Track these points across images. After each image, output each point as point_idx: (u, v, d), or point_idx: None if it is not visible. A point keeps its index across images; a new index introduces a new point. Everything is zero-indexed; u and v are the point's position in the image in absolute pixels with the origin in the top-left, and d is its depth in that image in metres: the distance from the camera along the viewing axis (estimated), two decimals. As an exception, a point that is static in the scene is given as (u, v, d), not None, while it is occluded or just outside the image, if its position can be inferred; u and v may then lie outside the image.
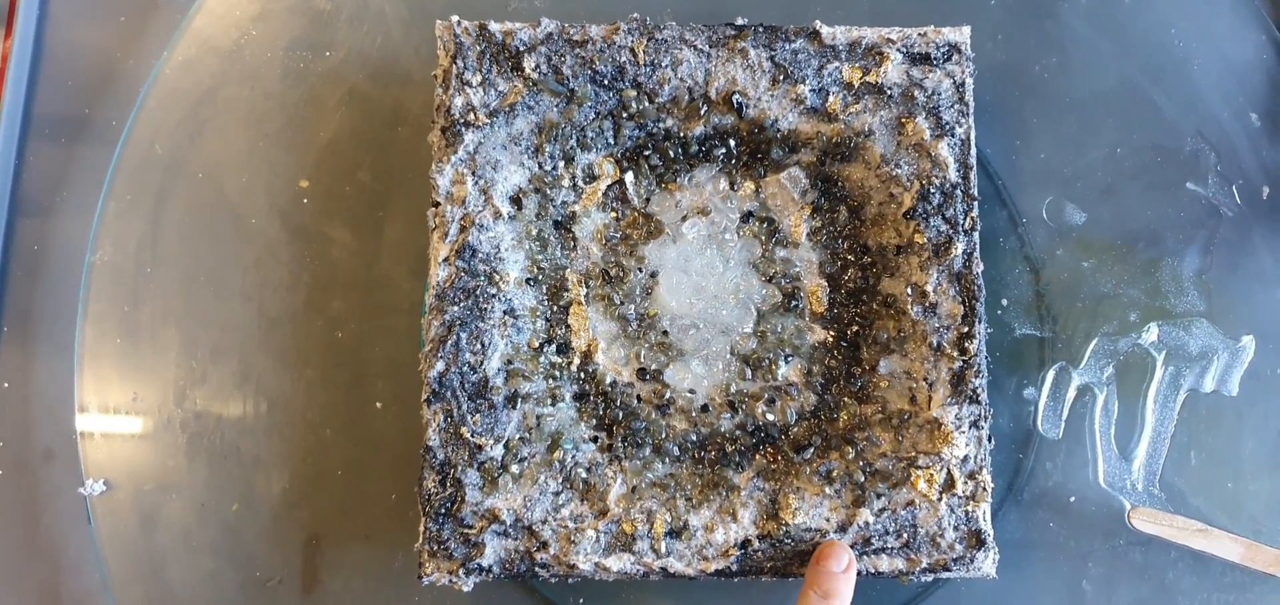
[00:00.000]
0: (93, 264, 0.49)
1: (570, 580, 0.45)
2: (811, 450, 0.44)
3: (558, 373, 0.45)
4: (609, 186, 0.46)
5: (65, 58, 0.52)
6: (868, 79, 0.44)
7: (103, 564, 0.47)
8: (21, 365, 0.49)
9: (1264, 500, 0.46)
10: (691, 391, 0.45)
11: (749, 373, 0.45)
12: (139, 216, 0.50)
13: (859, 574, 0.43)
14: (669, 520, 0.43)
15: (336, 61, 0.50)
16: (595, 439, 0.44)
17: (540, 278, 0.46)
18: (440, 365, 0.43)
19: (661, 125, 0.46)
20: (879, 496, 0.43)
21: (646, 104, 0.45)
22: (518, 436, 0.44)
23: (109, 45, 0.52)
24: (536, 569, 0.43)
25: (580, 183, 0.46)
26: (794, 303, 0.46)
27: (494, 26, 0.45)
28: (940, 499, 0.43)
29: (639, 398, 0.45)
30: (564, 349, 0.45)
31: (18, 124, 0.51)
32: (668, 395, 0.45)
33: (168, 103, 0.50)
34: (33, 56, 0.52)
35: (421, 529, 0.43)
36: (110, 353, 0.49)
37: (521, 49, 0.44)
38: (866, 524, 0.42)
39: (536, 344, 0.45)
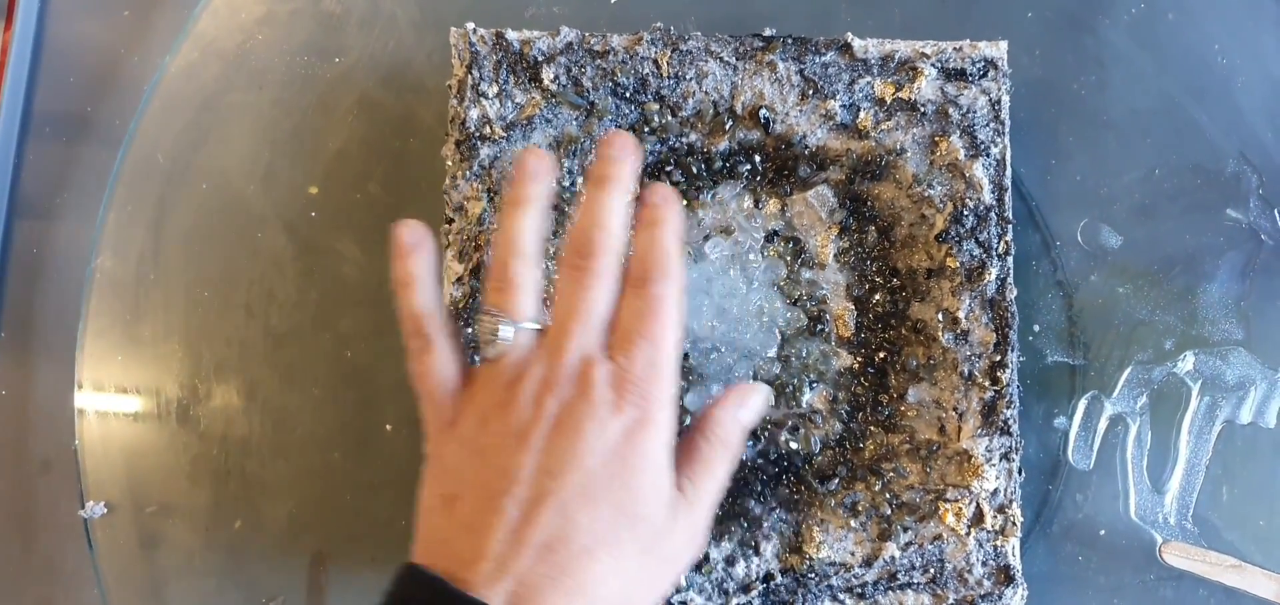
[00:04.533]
0: (94, 273, 0.48)
1: (585, 610, 0.43)
2: (836, 481, 0.42)
3: (574, 395, 0.44)
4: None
5: (67, 53, 0.50)
6: (900, 95, 0.43)
7: (102, 583, 0.46)
8: (19, 372, 0.48)
9: (1300, 535, 0.44)
10: (712, 416, 0.44)
11: (772, 399, 0.44)
12: (141, 226, 0.48)
13: (883, 608, 0.41)
14: (688, 551, 0.42)
15: (346, 67, 0.48)
16: (612, 464, 0.43)
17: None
18: (453, 389, 0.42)
19: (685, 140, 0.44)
20: (906, 530, 0.41)
21: (669, 118, 0.43)
22: (533, 462, 0.42)
23: (112, 41, 0.50)
24: (551, 600, 0.41)
25: (599, 199, 0.44)
26: (819, 327, 0.44)
27: (511, 35, 0.43)
28: (969, 533, 0.41)
29: (658, 422, 0.44)
30: (581, 371, 0.44)
31: (17, 121, 0.49)
32: (687, 421, 0.44)
33: (171, 108, 0.48)
34: (33, 51, 0.50)
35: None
36: (111, 366, 0.47)
37: (540, 59, 0.43)
38: (893, 558, 0.41)
39: (552, 366, 0.43)
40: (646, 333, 0.33)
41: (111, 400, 0.47)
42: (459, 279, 0.42)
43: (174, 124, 0.48)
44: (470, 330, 0.35)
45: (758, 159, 0.44)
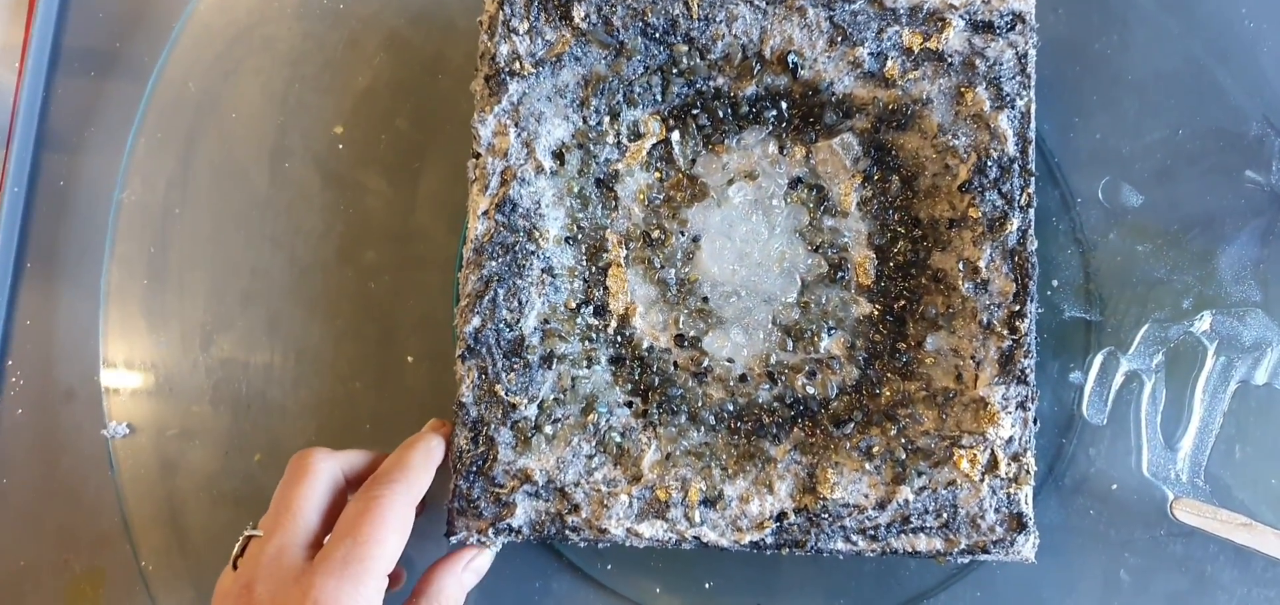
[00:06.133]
0: (121, 202, 0.48)
1: (599, 546, 0.44)
2: (852, 425, 0.43)
3: (594, 335, 0.44)
4: (654, 145, 0.45)
5: (95, -10, 0.51)
6: (928, 45, 0.43)
7: (123, 507, 0.46)
8: (44, 302, 0.48)
9: (1311, 497, 0.45)
10: (730, 360, 0.44)
11: (790, 344, 0.44)
12: (169, 156, 0.48)
13: (895, 553, 0.42)
14: (704, 489, 0.42)
15: (377, 4, 0.49)
16: (630, 404, 0.44)
17: (580, 236, 0.44)
18: (476, 321, 0.42)
19: (712, 83, 0.44)
20: (920, 475, 0.42)
21: (698, 60, 0.44)
22: (552, 397, 0.43)
23: (139, -21, 0.50)
24: (567, 532, 0.42)
25: (625, 140, 0.45)
26: (840, 274, 0.44)
27: (542, -27, 0.43)
28: (982, 480, 0.42)
29: (676, 364, 0.44)
30: (601, 311, 0.44)
31: (46, 56, 0.50)
32: (706, 363, 0.44)
33: (202, 40, 0.49)
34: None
35: (451, 487, 0.42)
36: (136, 294, 0.48)
37: (570, -2, 0.43)
38: (906, 502, 0.42)
39: (574, 304, 0.44)
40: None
41: (136, 327, 0.47)
42: (485, 212, 0.43)
43: (204, 57, 0.49)
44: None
45: (783, 105, 0.44)
